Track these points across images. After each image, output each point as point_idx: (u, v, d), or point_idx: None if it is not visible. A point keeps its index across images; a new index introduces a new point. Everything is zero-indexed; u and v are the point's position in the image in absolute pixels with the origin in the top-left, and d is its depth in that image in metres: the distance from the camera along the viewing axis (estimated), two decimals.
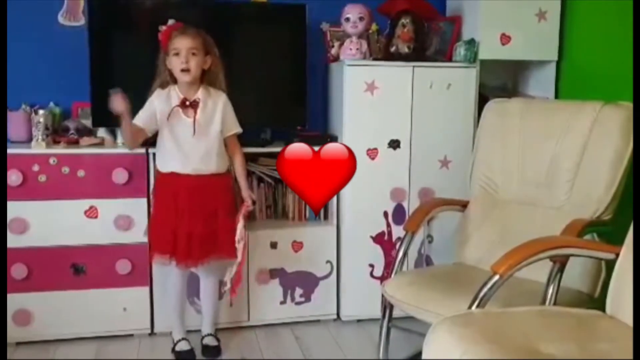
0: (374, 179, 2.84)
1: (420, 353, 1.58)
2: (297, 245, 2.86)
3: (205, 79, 2.45)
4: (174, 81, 2.42)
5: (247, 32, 2.84)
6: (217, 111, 2.45)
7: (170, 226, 2.40)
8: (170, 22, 2.46)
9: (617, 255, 1.78)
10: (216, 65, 2.45)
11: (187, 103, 2.40)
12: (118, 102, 2.25)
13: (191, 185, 2.40)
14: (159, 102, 2.40)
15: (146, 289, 2.70)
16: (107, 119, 2.72)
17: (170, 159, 2.41)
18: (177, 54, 2.35)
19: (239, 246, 2.45)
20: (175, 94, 2.41)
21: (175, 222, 2.40)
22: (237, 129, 2.52)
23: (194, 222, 2.40)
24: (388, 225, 2.90)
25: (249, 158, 2.88)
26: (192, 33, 2.37)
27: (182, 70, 2.35)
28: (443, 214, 2.57)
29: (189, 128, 2.39)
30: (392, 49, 2.87)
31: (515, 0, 2.85)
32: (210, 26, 2.50)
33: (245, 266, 2.77)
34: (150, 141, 2.48)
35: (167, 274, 2.55)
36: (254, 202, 2.57)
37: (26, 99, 2.83)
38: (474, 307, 1.77)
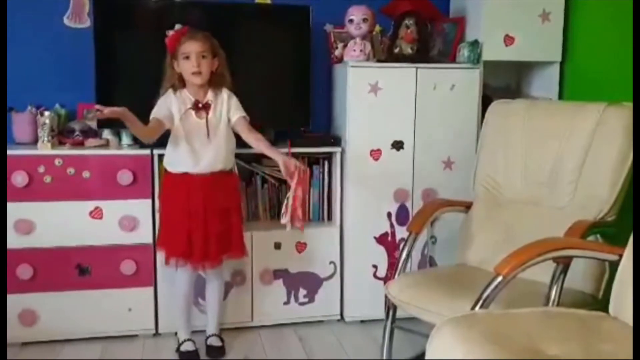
0: (377, 179, 2.85)
1: (423, 354, 1.59)
2: (300, 246, 2.87)
3: (212, 81, 2.46)
4: (183, 85, 2.43)
5: (251, 33, 2.84)
6: (223, 107, 2.47)
7: (184, 228, 2.42)
8: (177, 26, 2.47)
9: (621, 256, 1.78)
10: (223, 66, 2.47)
11: (200, 105, 2.42)
12: (112, 110, 2.18)
13: (204, 183, 2.42)
14: (175, 102, 2.41)
15: (151, 289, 2.72)
16: (112, 121, 2.75)
17: (183, 159, 2.42)
18: (187, 58, 2.37)
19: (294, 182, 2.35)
20: (187, 97, 2.43)
21: (190, 223, 2.42)
22: (242, 112, 2.48)
23: (209, 221, 2.42)
24: (391, 226, 2.90)
25: (252, 159, 2.89)
26: (201, 37, 2.39)
27: (194, 73, 2.37)
28: (446, 214, 2.57)
29: (201, 129, 2.41)
30: (396, 50, 2.88)
31: (519, 0, 2.85)
32: (214, 27, 2.52)
33: (250, 264, 2.79)
34: (157, 142, 2.48)
35: (175, 274, 2.56)
36: (295, 166, 2.34)
37: (32, 101, 2.84)
38: (477, 308, 1.77)
